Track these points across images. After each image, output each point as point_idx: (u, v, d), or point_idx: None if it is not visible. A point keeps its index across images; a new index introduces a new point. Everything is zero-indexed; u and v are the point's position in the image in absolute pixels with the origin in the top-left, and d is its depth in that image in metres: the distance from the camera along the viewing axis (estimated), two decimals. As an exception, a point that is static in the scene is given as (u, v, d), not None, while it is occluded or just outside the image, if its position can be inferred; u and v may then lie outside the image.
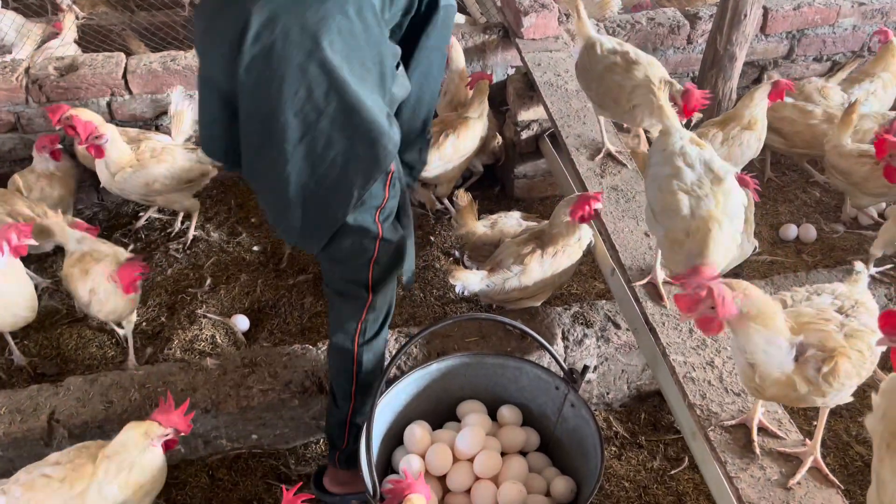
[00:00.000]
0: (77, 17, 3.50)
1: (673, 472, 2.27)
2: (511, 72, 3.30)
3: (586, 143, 2.54)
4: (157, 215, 3.08)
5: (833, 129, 2.91)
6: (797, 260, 2.89)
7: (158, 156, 2.72)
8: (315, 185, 1.68)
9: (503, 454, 2.02)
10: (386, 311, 2.02)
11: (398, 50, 1.78)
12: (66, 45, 3.35)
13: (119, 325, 2.53)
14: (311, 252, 1.84)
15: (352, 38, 1.58)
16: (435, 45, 1.92)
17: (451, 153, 2.84)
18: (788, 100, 3.04)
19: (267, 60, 1.56)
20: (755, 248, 2.68)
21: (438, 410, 2.16)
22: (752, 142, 2.90)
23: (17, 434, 2.13)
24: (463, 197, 2.58)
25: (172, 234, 3.01)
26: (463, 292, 2.38)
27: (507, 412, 2.12)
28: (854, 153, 2.80)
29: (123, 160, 2.67)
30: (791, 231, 2.98)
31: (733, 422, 1.69)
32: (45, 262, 2.88)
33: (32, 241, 2.31)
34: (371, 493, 1.73)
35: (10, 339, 2.48)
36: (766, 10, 3.35)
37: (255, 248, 2.95)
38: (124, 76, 2.99)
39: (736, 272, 2.71)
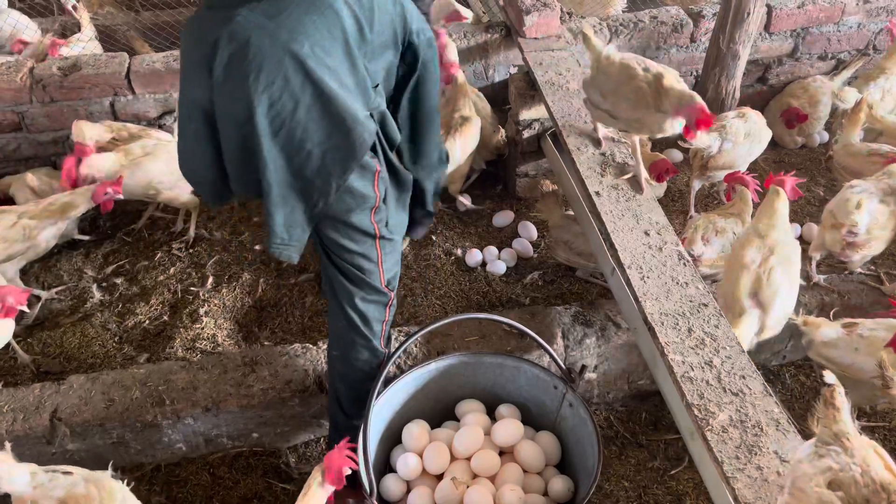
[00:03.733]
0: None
1: (673, 471, 2.27)
2: (513, 71, 3.30)
3: (587, 142, 2.53)
4: (160, 214, 3.10)
5: (842, 129, 2.90)
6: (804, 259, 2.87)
7: (153, 152, 2.72)
8: (293, 177, 1.72)
9: (501, 453, 2.02)
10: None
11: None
12: (90, 41, 3.40)
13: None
14: (293, 260, 1.85)
15: (325, 51, 1.66)
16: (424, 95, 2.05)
17: (459, 155, 2.86)
18: None
19: (243, 53, 1.60)
20: None
21: (437, 410, 2.17)
22: (766, 139, 2.91)
23: (20, 432, 2.15)
24: (547, 184, 2.78)
25: (175, 233, 3.02)
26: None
27: (506, 411, 2.12)
28: (863, 152, 2.79)
29: (114, 167, 2.68)
30: (794, 231, 2.97)
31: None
32: (48, 262, 2.89)
33: (25, 308, 2.33)
34: (368, 491, 1.74)
35: (12, 339, 2.49)
36: (770, 9, 3.33)
37: (257, 247, 2.96)
38: (127, 76, 3.00)
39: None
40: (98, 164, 2.67)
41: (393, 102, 2.00)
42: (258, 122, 1.64)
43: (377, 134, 1.81)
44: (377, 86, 1.85)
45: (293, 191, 1.74)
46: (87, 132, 2.71)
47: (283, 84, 1.62)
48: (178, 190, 2.81)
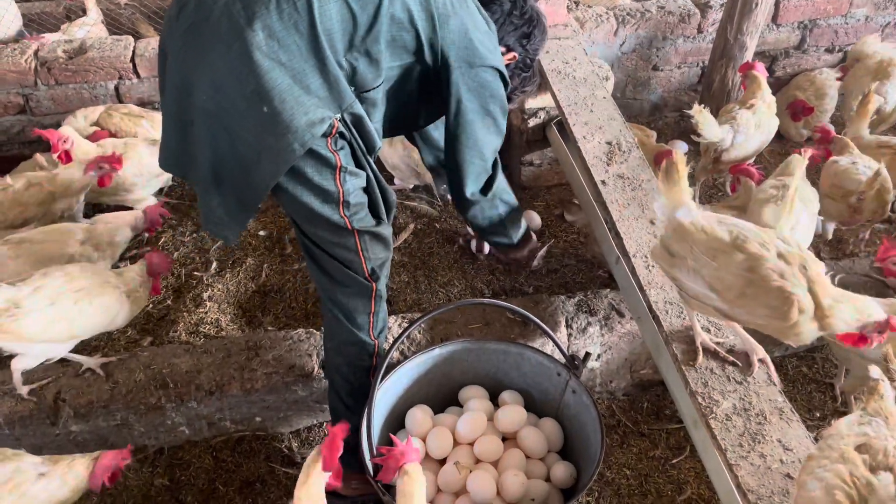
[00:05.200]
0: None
1: (674, 460, 2.28)
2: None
3: (593, 131, 2.53)
4: (164, 199, 3.09)
5: (850, 122, 2.89)
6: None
7: (124, 153, 2.67)
8: (233, 163, 1.67)
9: (504, 439, 2.03)
10: (386, 301, 2.02)
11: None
12: (95, 25, 3.38)
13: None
14: (229, 242, 1.83)
15: (282, 44, 1.58)
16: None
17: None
18: None
19: (199, 27, 1.59)
20: None
21: (440, 395, 2.17)
22: (774, 128, 2.91)
23: (24, 412, 2.16)
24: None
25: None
26: None
27: (509, 397, 2.12)
28: (873, 144, 2.78)
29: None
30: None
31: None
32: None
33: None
34: (372, 474, 1.74)
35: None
36: (777, 0, 3.32)
37: (262, 233, 2.96)
38: (132, 59, 2.99)
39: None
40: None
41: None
42: (196, 99, 1.61)
43: (353, 134, 1.73)
44: (371, 89, 1.76)
45: (232, 175, 1.69)
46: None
47: (227, 69, 1.57)
48: (144, 191, 2.82)
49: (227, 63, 1.58)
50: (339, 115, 1.68)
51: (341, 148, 1.73)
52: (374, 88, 1.76)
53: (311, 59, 1.61)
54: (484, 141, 2.07)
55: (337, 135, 1.70)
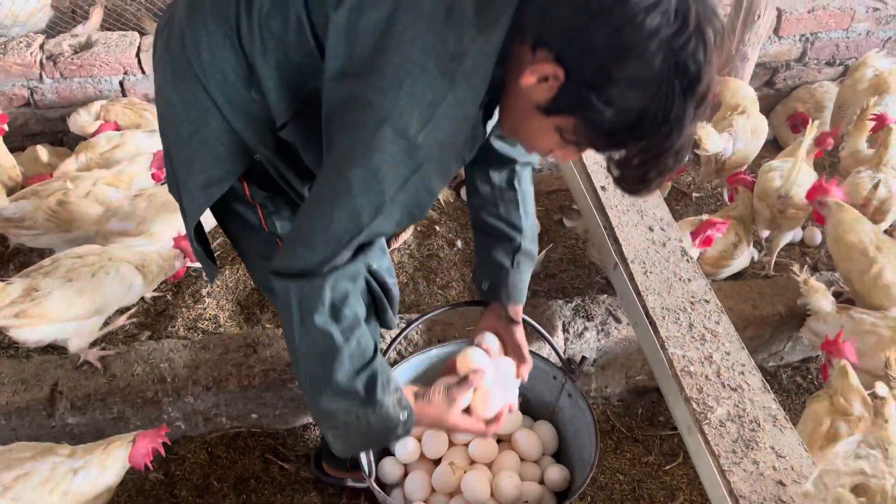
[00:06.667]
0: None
1: (668, 466, 2.29)
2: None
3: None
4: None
5: (849, 135, 2.91)
6: (801, 262, 2.90)
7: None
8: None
9: (499, 441, 2.04)
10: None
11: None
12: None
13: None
14: (210, 281, 1.81)
15: (179, 89, 1.39)
16: None
17: None
18: None
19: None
20: (753, 258, 2.70)
21: (437, 396, 2.18)
22: (766, 129, 2.93)
23: (21, 404, 2.16)
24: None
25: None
26: None
27: (505, 400, 2.13)
28: (870, 158, 2.80)
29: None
30: (796, 234, 2.98)
31: None
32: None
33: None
34: (367, 472, 1.75)
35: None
36: (779, 12, 3.35)
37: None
38: (137, 55, 3.01)
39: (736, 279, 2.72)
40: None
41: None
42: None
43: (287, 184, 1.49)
44: (281, 127, 1.33)
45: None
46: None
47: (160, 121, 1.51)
48: None
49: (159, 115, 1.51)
50: (247, 166, 1.42)
51: (270, 214, 1.54)
52: (282, 126, 1.32)
53: (205, 102, 1.34)
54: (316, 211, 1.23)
55: (257, 203, 1.53)
